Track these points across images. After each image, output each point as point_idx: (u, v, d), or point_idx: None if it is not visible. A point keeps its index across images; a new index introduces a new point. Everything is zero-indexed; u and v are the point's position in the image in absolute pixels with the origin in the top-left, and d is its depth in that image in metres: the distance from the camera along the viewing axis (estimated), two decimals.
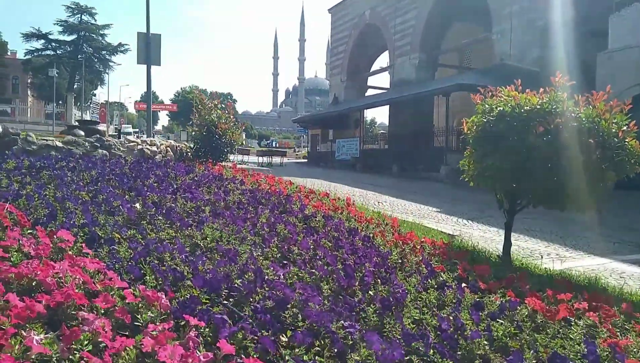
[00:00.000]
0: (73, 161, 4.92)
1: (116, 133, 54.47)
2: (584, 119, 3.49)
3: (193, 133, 7.76)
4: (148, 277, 2.09)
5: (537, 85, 15.45)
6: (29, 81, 62.53)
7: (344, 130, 32.98)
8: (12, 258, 2.21)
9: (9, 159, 4.66)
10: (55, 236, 2.49)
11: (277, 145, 76.32)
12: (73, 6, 52.22)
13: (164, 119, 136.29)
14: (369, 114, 44.34)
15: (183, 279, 2.12)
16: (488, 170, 3.68)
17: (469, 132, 4.04)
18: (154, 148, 6.43)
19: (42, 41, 51.90)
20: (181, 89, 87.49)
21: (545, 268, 4.31)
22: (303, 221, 3.56)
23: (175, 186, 4.37)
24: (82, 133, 26.12)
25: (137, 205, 3.46)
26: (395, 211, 9.53)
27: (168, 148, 6.87)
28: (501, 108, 3.65)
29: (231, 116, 7.99)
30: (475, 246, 4.56)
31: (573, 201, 3.58)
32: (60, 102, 55.52)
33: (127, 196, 3.73)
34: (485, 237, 7.15)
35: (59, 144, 5.50)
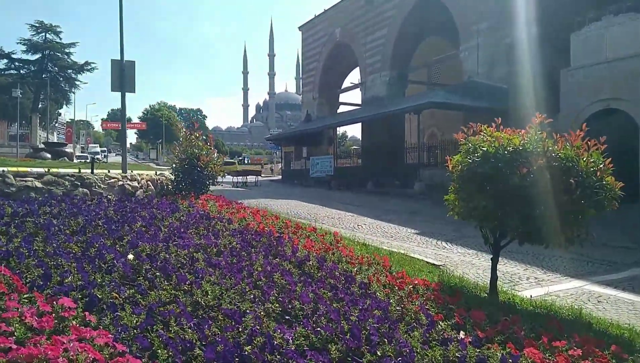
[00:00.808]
0: (56, 205, 4.82)
1: (84, 154, 53.31)
2: (563, 159, 3.65)
3: (174, 165, 7.71)
4: (160, 351, 2.09)
5: (505, 102, 15.98)
6: None
7: (317, 147, 33.19)
8: (15, 333, 2.18)
9: None
10: (56, 304, 2.46)
11: (249, 161, 76.10)
12: (37, 25, 51.18)
13: (131, 137, 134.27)
14: (341, 128, 44.61)
15: (193, 348, 2.13)
16: (475, 211, 3.80)
17: (454, 170, 4.16)
18: (135, 183, 6.36)
19: (5, 61, 50.54)
20: (150, 106, 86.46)
21: (531, 299, 4.45)
22: (297, 267, 3.59)
23: (163, 230, 4.35)
24: (49, 156, 25.52)
25: (130, 256, 3.44)
26: (375, 234, 9.64)
27: (149, 182, 6.80)
28: (485, 149, 3.78)
29: (212, 148, 7.99)
30: (462, 279, 4.68)
31: (556, 238, 3.73)
32: (24, 122, 54.03)
33: (117, 246, 3.69)
34: (466, 261, 7.30)
35: (39, 184, 5.39)
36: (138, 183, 6.43)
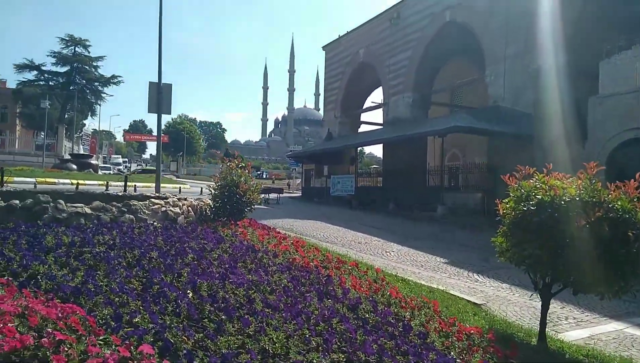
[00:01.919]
0: (106, 233, 4.94)
1: (107, 165, 54.27)
2: (620, 210, 3.64)
3: (213, 191, 7.85)
4: None
5: (530, 128, 15.89)
6: (18, 110, 62.12)
7: (338, 165, 33.26)
8: None
9: (47, 232, 4.68)
10: (134, 349, 2.53)
11: (268, 176, 76.57)
12: (67, 38, 52.61)
13: (152, 148, 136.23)
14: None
15: None
16: (529, 258, 3.81)
17: (505, 216, 4.17)
18: (177, 209, 6.48)
19: (35, 72, 51.93)
20: (172, 119, 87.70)
21: (578, 346, 4.41)
22: (351, 310, 3.63)
23: (214, 263, 4.43)
24: (75, 167, 26.02)
25: (190, 294, 3.52)
26: (405, 262, 9.63)
27: (189, 208, 6.92)
28: (540, 197, 3.80)
29: (250, 175, 8.12)
30: (509, 324, 4.66)
31: (611, 288, 3.71)
32: (49, 132, 55.29)
33: (175, 282, 3.77)
34: (501, 297, 7.25)
35: (88, 211, 5.53)
36: (180, 209, 6.55)
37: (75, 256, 4.20)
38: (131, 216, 5.84)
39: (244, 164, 7.95)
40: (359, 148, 34.90)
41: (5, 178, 12.72)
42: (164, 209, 6.27)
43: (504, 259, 4.34)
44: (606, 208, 3.63)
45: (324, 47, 38.11)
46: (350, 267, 5.24)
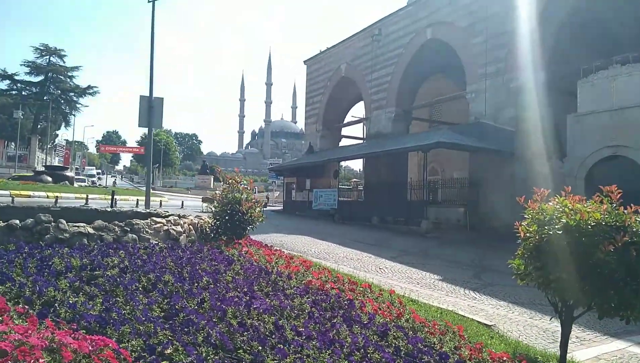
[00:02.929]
0: (113, 254, 4.76)
1: (81, 177, 52.94)
2: None
3: (214, 209, 7.69)
4: None
5: (511, 144, 16.24)
6: None
7: (319, 179, 33.26)
8: None
9: (54, 254, 4.47)
10: None
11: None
12: (42, 48, 51.52)
13: (125, 159, 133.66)
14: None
15: None
16: (555, 282, 3.82)
17: (526, 239, 4.18)
18: (179, 228, 6.31)
19: (8, 82, 50.63)
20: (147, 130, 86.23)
21: None
22: (382, 337, 3.57)
23: (229, 286, 4.31)
24: (50, 179, 25.20)
25: (215, 321, 3.40)
26: (401, 279, 9.61)
27: (190, 226, 6.75)
28: (565, 221, 3.82)
29: (252, 193, 7.99)
30: (527, 347, 4.66)
31: (637, 313, 3.74)
32: (20, 143, 53.82)
33: (200, 309, 3.64)
34: (501, 315, 7.27)
35: (91, 230, 5.33)
36: (181, 228, 6.38)
37: (87, 280, 4.03)
38: (134, 235, 5.65)
39: (245, 182, 7.84)
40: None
41: None
42: (165, 228, 6.10)
43: (522, 282, 4.34)
44: (631, 232, 3.67)
45: (305, 62, 38.28)
46: (363, 289, 5.17)
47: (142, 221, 5.87)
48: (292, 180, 36.39)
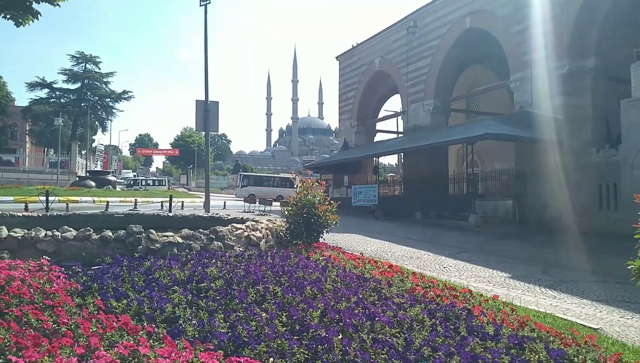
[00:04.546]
0: (212, 264, 4.68)
1: (120, 180, 54.16)
2: None
3: (287, 212, 7.59)
4: None
5: (561, 133, 15.68)
6: (27, 128, 62.27)
7: (356, 175, 33.07)
8: None
9: (154, 267, 4.42)
10: None
11: None
12: (78, 55, 52.82)
13: (158, 161, 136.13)
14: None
15: None
16: None
17: None
18: (258, 234, 6.23)
19: (47, 90, 52.10)
20: (181, 133, 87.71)
21: None
22: (518, 351, 3.35)
23: (337, 296, 4.17)
24: (93, 184, 25.79)
25: (340, 336, 3.25)
26: (469, 278, 9.31)
27: (268, 231, 6.67)
28: None
29: (326, 196, 7.85)
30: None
31: None
32: (60, 149, 55.35)
33: (324, 324, 3.50)
34: (590, 314, 6.92)
35: (180, 240, 5.28)
36: (260, 233, 6.30)
37: (197, 293, 3.94)
38: (219, 243, 5.59)
39: (317, 183, 7.70)
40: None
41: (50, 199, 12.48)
42: (246, 234, 6.02)
43: None
44: None
45: (337, 57, 38.03)
46: (463, 294, 4.94)
47: (224, 228, 5.80)
48: (328, 177, 36.27)
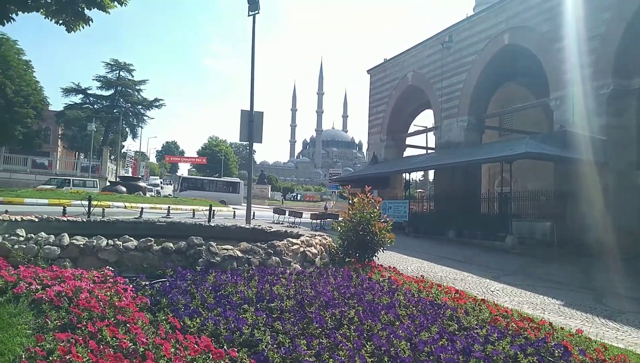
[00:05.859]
0: (276, 282, 4.46)
1: (149, 186, 54.77)
2: None
3: (340, 229, 7.34)
4: None
5: (603, 154, 15.14)
6: (60, 132, 63.59)
7: (385, 190, 32.64)
8: None
9: (220, 282, 4.21)
10: None
11: (302, 198, 76.30)
12: (112, 63, 53.94)
13: (183, 168, 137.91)
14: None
15: None
16: None
17: None
18: (313, 249, 6.01)
19: (81, 95, 53.29)
20: (208, 141, 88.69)
21: None
22: None
23: (415, 324, 3.88)
24: (124, 189, 26.02)
25: None
26: (521, 303, 8.88)
27: (322, 247, 6.44)
28: None
29: (381, 212, 7.60)
30: None
31: None
32: (91, 154, 56.37)
33: (415, 357, 3.22)
34: None
35: (239, 254, 5.09)
36: (315, 249, 6.07)
37: (270, 313, 3.71)
38: (277, 258, 5.38)
39: (373, 199, 7.44)
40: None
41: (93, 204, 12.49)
42: (302, 249, 5.80)
43: None
44: None
45: (368, 71, 37.92)
46: (542, 326, 4.59)
47: (281, 242, 5.59)
48: (355, 191, 35.85)
